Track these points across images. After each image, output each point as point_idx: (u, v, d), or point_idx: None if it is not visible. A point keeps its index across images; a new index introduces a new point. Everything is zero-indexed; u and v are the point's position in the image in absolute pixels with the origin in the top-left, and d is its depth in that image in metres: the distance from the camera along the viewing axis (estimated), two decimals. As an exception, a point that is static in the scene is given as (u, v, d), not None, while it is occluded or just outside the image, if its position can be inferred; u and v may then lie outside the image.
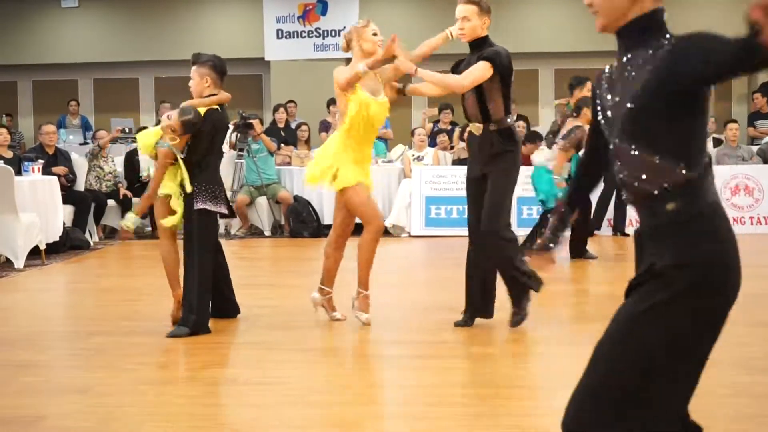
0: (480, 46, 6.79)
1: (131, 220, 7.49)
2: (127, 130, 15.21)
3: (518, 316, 6.83)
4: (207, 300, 7.05)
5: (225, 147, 10.05)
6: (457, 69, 7.09)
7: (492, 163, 6.78)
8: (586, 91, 10.85)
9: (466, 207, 7.66)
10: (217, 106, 7.22)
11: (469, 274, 7.10)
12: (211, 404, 5.42)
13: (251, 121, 13.95)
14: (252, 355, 6.52)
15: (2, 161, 11.43)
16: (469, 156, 7.46)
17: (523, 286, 6.81)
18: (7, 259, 10.96)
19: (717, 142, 14.68)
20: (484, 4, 6.73)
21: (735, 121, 14.76)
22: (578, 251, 10.50)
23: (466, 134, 8.03)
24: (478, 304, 7.09)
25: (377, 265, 11.16)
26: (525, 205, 13.33)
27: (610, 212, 13.03)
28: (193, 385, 5.89)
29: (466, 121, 7.50)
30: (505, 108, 6.84)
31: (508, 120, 6.94)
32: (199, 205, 6.89)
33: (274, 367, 6.09)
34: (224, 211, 7.24)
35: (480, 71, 6.48)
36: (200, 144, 7.08)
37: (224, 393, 5.63)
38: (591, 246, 12.19)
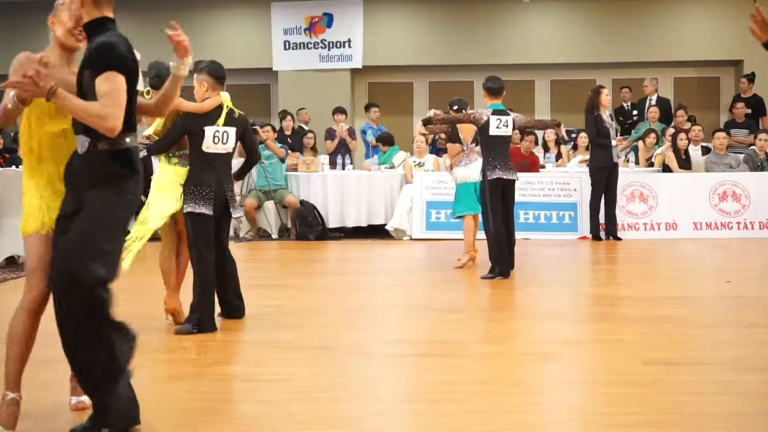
0: None
1: None
2: (145, 138, 15.17)
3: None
4: (209, 299, 7.02)
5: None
6: None
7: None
8: None
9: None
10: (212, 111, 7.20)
11: None
12: (220, 400, 5.38)
13: (256, 127, 13.92)
14: (258, 353, 6.50)
15: None
16: None
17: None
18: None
19: (705, 150, 14.64)
20: None
21: (722, 130, 14.74)
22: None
23: None
24: None
25: (380, 267, 11.22)
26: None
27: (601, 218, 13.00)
28: (202, 381, 5.84)
29: None
30: None
31: None
32: (185, 209, 6.92)
33: (280, 365, 6.05)
34: (207, 212, 6.95)
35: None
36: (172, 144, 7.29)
37: (232, 389, 5.61)
38: (585, 249, 12.17)
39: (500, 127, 9.66)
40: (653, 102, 16.45)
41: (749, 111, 15.98)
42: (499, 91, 9.89)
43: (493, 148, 9.66)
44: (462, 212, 10.62)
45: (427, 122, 10.45)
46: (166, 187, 7.25)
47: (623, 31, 18.92)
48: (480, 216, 10.40)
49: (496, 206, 9.56)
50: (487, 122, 9.63)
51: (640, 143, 14.89)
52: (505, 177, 9.51)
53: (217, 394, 5.51)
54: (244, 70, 18.92)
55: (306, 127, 16.27)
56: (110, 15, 4.33)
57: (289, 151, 14.98)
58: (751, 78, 16.37)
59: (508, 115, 9.84)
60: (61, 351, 6.19)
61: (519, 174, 9.96)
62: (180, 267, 7.48)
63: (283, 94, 19.11)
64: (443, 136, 11.66)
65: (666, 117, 16.14)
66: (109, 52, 4.05)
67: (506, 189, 9.64)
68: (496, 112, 9.69)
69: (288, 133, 16.02)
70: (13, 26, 19.57)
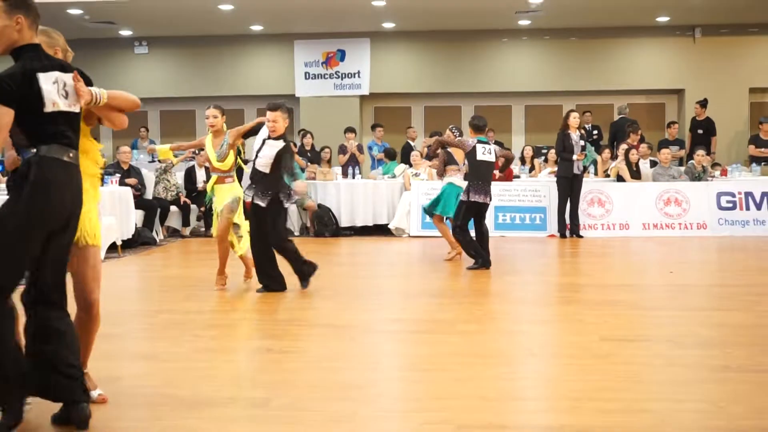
0: None
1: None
2: (197, 150, 15.22)
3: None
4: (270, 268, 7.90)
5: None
6: None
7: None
8: None
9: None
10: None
11: None
12: (251, 368, 5.43)
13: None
14: (282, 329, 6.51)
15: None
16: None
17: None
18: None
19: (653, 164, 14.70)
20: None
21: (667, 147, 14.80)
22: None
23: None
24: None
25: (383, 258, 11.25)
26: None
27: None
28: (237, 353, 5.91)
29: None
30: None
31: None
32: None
33: (299, 339, 6.12)
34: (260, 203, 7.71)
35: None
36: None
37: (261, 359, 5.62)
38: (553, 245, 12.18)
39: (485, 154, 9.72)
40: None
41: (701, 132, 16.07)
42: (483, 128, 10.03)
43: (479, 171, 9.68)
44: (433, 212, 10.66)
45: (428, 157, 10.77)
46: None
47: (585, 65, 18.95)
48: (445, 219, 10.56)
49: (465, 223, 9.64)
50: (474, 149, 9.70)
51: (599, 157, 14.91)
52: (480, 201, 9.59)
53: (249, 364, 5.59)
54: (271, 96, 18.83)
55: (307, 148, 16.26)
56: (35, 41, 3.82)
57: (308, 164, 15.01)
58: (703, 104, 16.40)
59: (490, 145, 10.03)
60: (118, 328, 6.26)
61: (498, 182, 10.22)
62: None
63: (304, 116, 19.14)
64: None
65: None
66: None
67: (480, 210, 9.74)
68: (480, 142, 9.77)
69: (308, 148, 16.04)
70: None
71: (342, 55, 19.42)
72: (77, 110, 3.89)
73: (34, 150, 3.68)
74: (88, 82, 3.99)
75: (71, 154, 3.81)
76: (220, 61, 19.32)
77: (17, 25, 3.69)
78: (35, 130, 3.70)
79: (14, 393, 3.77)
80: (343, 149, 16.35)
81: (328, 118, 18.69)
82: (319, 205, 13.96)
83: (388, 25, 18.47)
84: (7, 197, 3.78)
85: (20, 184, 3.70)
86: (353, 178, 14.89)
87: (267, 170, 7.74)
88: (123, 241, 11.25)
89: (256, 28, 18.55)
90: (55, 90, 3.73)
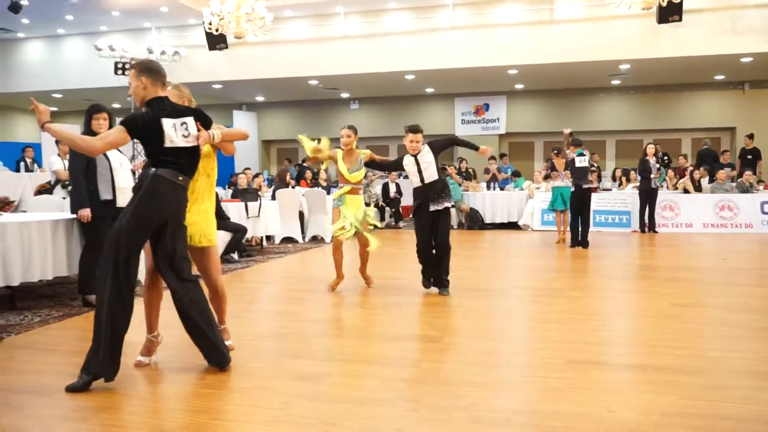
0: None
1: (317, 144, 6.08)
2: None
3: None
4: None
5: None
6: None
7: None
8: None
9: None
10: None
11: None
12: (431, 316, 5.37)
13: (445, 166, 14.11)
14: (452, 293, 6.31)
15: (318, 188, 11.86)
16: None
17: None
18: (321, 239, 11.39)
19: (711, 180, 13.82)
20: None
21: (722, 169, 13.85)
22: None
23: None
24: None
25: (514, 244, 11.17)
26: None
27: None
28: (424, 306, 5.82)
29: None
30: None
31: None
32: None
33: (462, 298, 6.05)
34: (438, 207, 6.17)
35: (114, 135, 3.41)
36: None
37: (436, 310, 5.50)
38: (635, 238, 11.65)
39: (582, 162, 10.02)
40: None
41: (750, 157, 14.98)
42: (579, 144, 10.19)
43: (577, 172, 10.04)
44: (552, 208, 11.05)
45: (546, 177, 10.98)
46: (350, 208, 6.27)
47: (660, 111, 18.20)
48: (569, 212, 10.59)
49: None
50: (573, 159, 10.01)
51: (670, 173, 14.22)
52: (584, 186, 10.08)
53: (428, 313, 5.46)
54: (437, 135, 19.00)
55: (463, 170, 16.15)
56: (161, 95, 3.57)
57: (464, 180, 15.01)
58: (750, 136, 15.31)
59: (585, 156, 10.22)
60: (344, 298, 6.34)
61: (595, 193, 10.68)
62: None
63: (461, 149, 19.14)
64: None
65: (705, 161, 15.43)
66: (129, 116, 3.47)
67: (582, 197, 10.12)
68: (579, 154, 10.06)
69: (463, 170, 16.04)
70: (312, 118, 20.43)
71: (487, 107, 19.34)
72: (194, 145, 3.58)
73: (153, 169, 3.51)
74: (209, 120, 3.71)
75: (180, 178, 3.53)
76: (407, 112, 19.70)
77: (142, 84, 3.52)
78: (156, 157, 3.50)
79: (107, 360, 3.37)
80: (487, 170, 16.25)
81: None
82: (471, 208, 13.95)
83: (519, 86, 18.21)
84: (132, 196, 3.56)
85: (137, 191, 3.52)
86: (494, 189, 14.73)
87: (436, 175, 6.13)
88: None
89: (430, 90, 18.74)
90: (174, 131, 3.49)
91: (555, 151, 10.89)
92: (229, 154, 3.90)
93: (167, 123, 3.47)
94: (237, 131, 3.88)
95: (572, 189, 10.13)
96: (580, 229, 10.07)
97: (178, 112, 3.55)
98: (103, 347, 3.34)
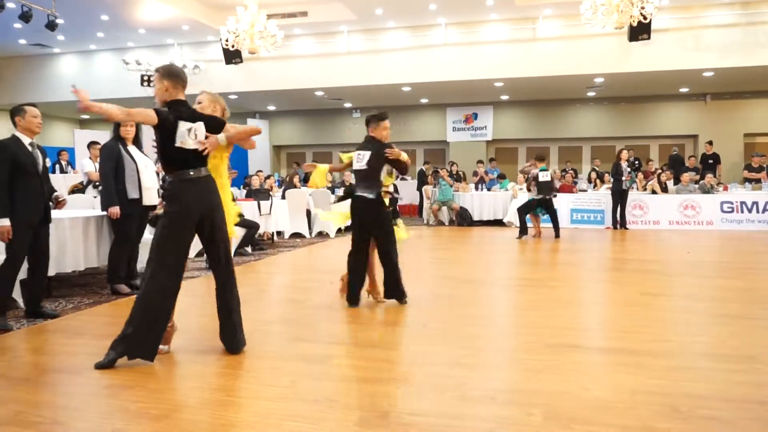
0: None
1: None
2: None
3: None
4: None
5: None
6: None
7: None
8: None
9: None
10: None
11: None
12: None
13: (437, 168, 14.11)
14: (443, 283, 6.34)
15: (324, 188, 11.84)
16: None
17: None
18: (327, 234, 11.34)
19: (677, 182, 13.81)
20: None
21: (687, 172, 13.86)
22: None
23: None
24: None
25: (499, 240, 11.14)
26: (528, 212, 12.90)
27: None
28: (423, 287, 5.88)
29: None
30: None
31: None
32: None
33: (451, 288, 6.00)
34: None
35: (145, 111, 3.32)
36: None
37: (436, 303, 5.44)
38: (608, 234, 11.62)
39: (545, 176, 10.42)
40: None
41: (711, 161, 14.98)
42: (542, 159, 10.55)
43: (540, 186, 10.37)
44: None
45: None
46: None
47: (630, 120, 18.17)
48: (539, 215, 11.04)
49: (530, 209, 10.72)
50: (537, 175, 10.43)
51: (640, 176, 14.23)
52: (538, 198, 10.51)
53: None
54: (431, 141, 19.05)
55: (454, 172, 16.13)
56: (181, 98, 3.54)
57: (454, 182, 14.98)
58: (710, 143, 15.32)
59: (547, 171, 10.54)
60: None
61: (564, 193, 10.70)
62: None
63: (452, 154, 19.18)
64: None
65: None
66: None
67: (544, 204, 10.58)
68: (542, 170, 10.46)
69: (454, 172, 16.01)
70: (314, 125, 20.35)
71: (476, 116, 19.29)
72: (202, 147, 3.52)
73: (170, 177, 3.47)
74: (220, 124, 3.64)
75: (192, 173, 3.47)
76: (403, 121, 19.65)
77: (164, 87, 3.48)
78: (167, 157, 3.45)
79: (151, 340, 3.38)
80: (475, 173, 16.23)
81: (466, 155, 18.63)
82: (461, 207, 13.92)
83: (504, 97, 18.15)
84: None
85: (165, 197, 3.50)
86: (482, 190, 14.70)
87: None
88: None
89: (424, 100, 18.70)
90: (186, 133, 3.44)
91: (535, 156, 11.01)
92: (250, 149, 3.86)
93: (183, 125, 3.44)
94: (249, 128, 3.79)
95: (539, 198, 10.48)
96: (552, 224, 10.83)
97: (193, 116, 3.51)
98: (147, 331, 3.36)
